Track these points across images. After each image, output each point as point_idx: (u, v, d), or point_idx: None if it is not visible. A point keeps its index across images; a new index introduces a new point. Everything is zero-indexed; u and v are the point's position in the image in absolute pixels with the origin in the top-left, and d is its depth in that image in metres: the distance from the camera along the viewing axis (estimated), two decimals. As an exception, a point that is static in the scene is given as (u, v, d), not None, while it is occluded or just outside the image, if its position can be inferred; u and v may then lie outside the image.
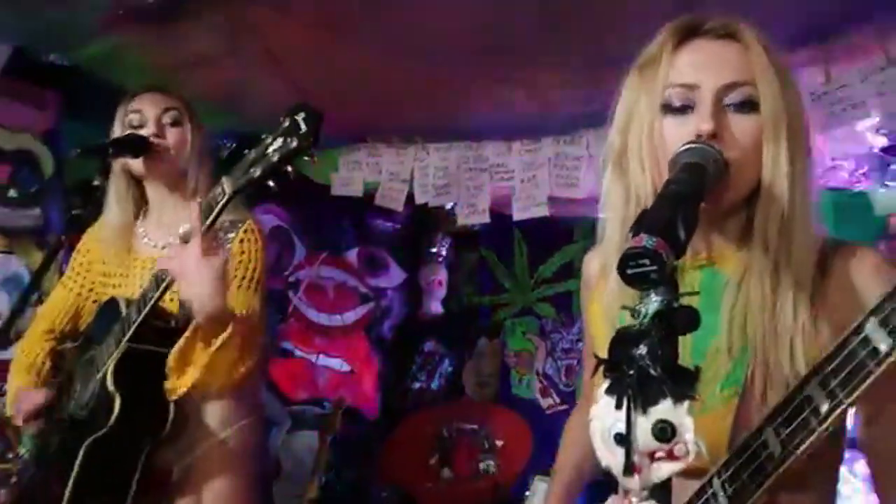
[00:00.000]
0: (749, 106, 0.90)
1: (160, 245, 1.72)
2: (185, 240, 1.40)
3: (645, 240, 0.67)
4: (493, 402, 3.42)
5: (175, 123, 1.69)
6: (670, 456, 0.68)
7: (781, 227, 0.89)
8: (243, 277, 1.63)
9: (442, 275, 4.29)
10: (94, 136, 2.62)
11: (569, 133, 2.38)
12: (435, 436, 2.87)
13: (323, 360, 3.72)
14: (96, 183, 1.55)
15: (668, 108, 0.93)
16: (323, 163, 2.97)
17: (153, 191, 1.74)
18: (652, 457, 0.69)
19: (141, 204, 1.76)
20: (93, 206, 1.60)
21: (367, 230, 4.10)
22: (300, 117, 1.29)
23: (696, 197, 0.79)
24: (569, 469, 1.25)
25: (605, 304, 0.99)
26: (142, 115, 1.67)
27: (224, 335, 1.39)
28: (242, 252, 1.65)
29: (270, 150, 1.31)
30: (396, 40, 2.28)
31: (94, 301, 1.80)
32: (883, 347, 0.67)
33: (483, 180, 2.47)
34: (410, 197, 2.76)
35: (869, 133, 2.15)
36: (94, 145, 1.58)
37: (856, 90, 1.86)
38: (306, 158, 1.32)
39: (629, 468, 0.69)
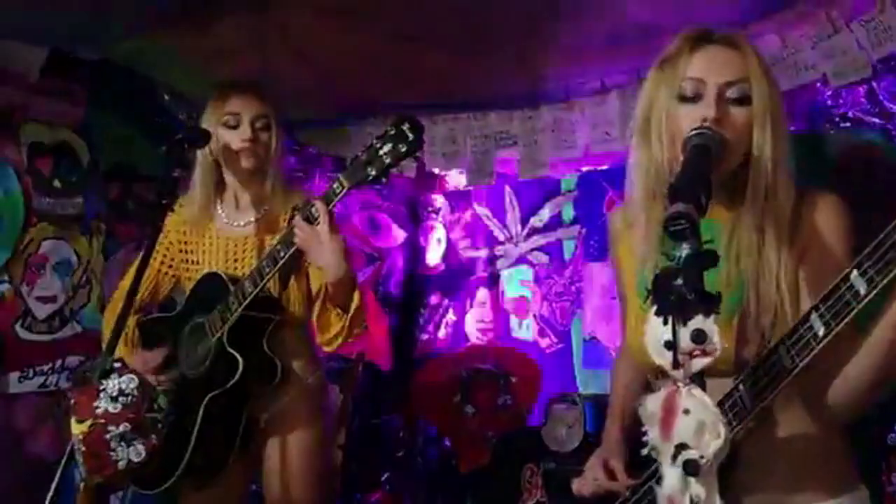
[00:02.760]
0: (744, 100, 1.19)
1: (242, 223, 1.98)
2: (309, 220, 1.69)
3: (681, 206, 0.97)
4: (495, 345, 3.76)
5: (265, 128, 1.93)
6: (703, 353, 0.99)
7: (766, 190, 1.18)
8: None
9: (441, 231, 4.58)
10: (122, 125, 2.83)
11: (563, 101, 2.65)
12: (456, 377, 3.20)
13: (338, 318, 3.98)
14: (176, 174, 1.78)
15: (682, 97, 1.22)
16: (337, 137, 3.20)
17: (234, 180, 1.98)
18: (691, 354, 0.99)
19: (219, 189, 2.00)
20: (174, 194, 1.83)
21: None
22: (405, 127, 1.60)
23: (708, 171, 1.09)
24: (622, 397, 1.49)
25: (634, 249, 1.29)
26: (238, 117, 1.90)
27: (357, 300, 1.71)
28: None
29: (381, 152, 1.61)
30: (405, 22, 2.50)
31: (173, 276, 2.05)
32: (862, 291, 0.96)
33: (489, 146, 2.73)
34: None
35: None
36: (174, 141, 1.80)
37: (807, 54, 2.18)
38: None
39: (676, 363, 1.00)
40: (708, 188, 1.03)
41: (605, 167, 4.07)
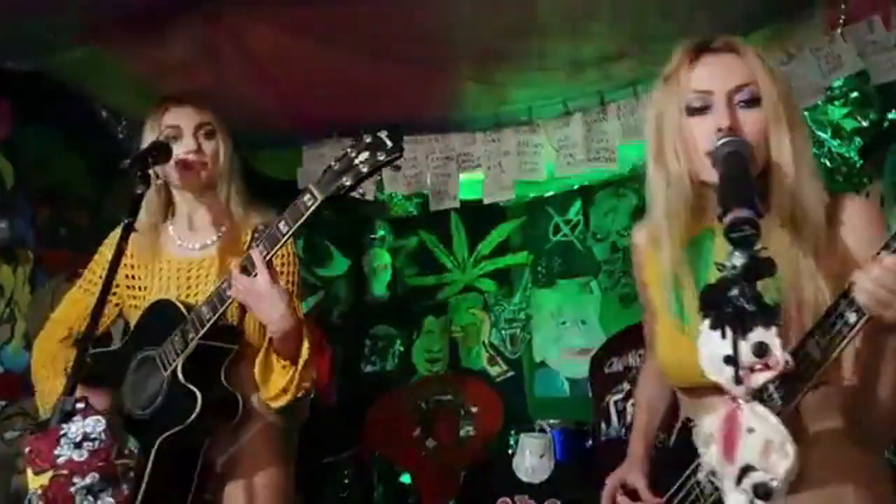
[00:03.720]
0: (754, 102, 1.16)
1: (197, 246, 1.81)
2: (247, 268, 1.54)
3: (742, 212, 0.92)
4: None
5: (209, 136, 1.78)
6: (766, 367, 0.93)
7: (792, 193, 1.16)
8: (291, 283, 1.77)
9: (387, 259, 4.46)
10: (54, 144, 2.60)
11: (526, 124, 2.63)
12: (415, 410, 3.07)
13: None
14: (139, 192, 1.61)
15: (690, 110, 1.19)
16: (287, 160, 3.06)
17: (183, 198, 1.83)
18: (752, 369, 0.94)
19: (167, 209, 1.83)
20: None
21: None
22: (383, 134, 1.49)
23: (750, 175, 1.05)
24: (649, 413, 1.46)
25: (662, 267, 1.24)
26: (179, 129, 1.76)
27: (305, 352, 1.56)
28: (284, 261, 1.78)
29: (357, 161, 1.48)
30: (362, 41, 2.43)
31: (116, 304, 1.85)
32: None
33: (451, 169, 2.67)
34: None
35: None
36: (136, 156, 1.63)
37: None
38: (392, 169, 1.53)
39: (738, 379, 0.93)
40: (758, 191, 0.99)
41: (550, 193, 4.12)
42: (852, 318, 1.01)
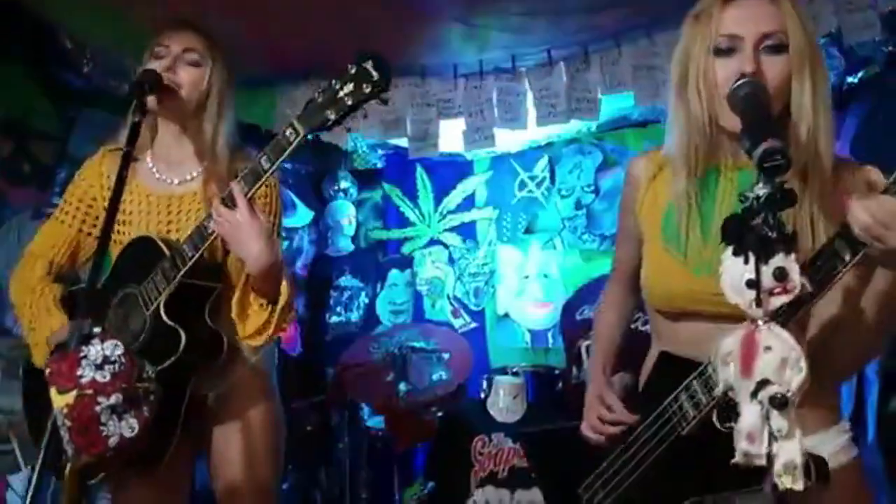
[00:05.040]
0: (780, 48, 1.22)
1: (176, 181, 1.76)
2: (229, 201, 1.51)
3: (774, 142, 0.98)
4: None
5: (193, 64, 1.71)
6: (784, 291, 1.00)
7: (808, 136, 1.22)
8: (273, 224, 1.72)
9: (351, 211, 4.44)
10: (14, 73, 2.46)
11: (508, 72, 2.64)
12: (388, 356, 3.11)
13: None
14: (136, 119, 1.56)
15: (717, 51, 1.24)
16: (261, 103, 2.99)
17: (164, 127, 1.76)
18: (771, 292, 1.01)
19: (150, 138, 1.77)
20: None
21: (273, 171, 4.11)
22: (368, 65, 1.43)
23: (769, 113, 1.12)
24: (611, 332, 1.56)
25: (674, 197, 1.30)
26: (168, 49, 1.69)
27: (285, 291, 1.55)
28: (266, 201, 1.74)
29: (342, 94, 1.44)
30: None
31: (96, 237, 1.78)
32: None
33: (431, 115, 2.66)
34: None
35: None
36: (134, 84, 1.58)
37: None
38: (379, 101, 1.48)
39: (759, 302, 1.00)
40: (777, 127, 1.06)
41: (515, 150, 4.17)
42: (847, 255, 1.09)
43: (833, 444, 1.28)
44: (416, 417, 2.87)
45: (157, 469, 1.59)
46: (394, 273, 4.39)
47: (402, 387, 2.91)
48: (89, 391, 1.11)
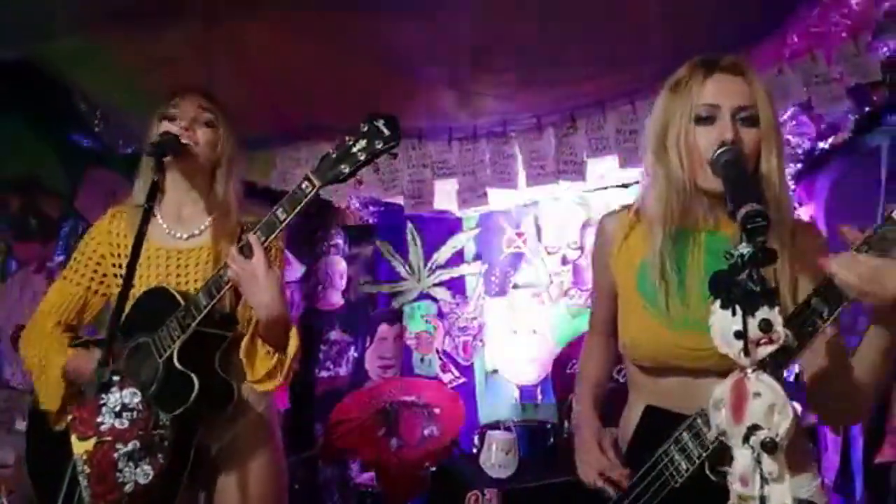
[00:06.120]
0: (752, 121, 1.34)
1: (185, 236, 1.84)
2: (245, 251, 1.59)
3: (755, 206, 1.08)
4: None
5: (208, 124, 1.82)
6: (770, 341, 1.09)
7: (776, 201, 1.33)
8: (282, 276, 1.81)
9: (342, 266, 4.50)
10: (26, 130, 2.54)
11: (500, 136, 2.78)
12: (380, 411, 3.14)
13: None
14: (155, 178, 1.64)
15: (698, 119, 1.35)
16: (258, 161, 3.08)
17: (174, 184, 1.84)
18: (758, 343, 1.09)
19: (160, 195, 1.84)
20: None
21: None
22: (380, 123, 1.56)
23: (748, 178, 1.22)
24: (594, 385, 1.63)
25: (650, 255, 1.39)
26: (178, 110, 1.79)
27: (293, 339, 1.62)
28: (276, 254, 1.83)
29: (355, 149, 1.55)
30: (348, 45, 2.52)
31: (103, 294, 1.86)
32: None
33: (426, 175, 2.78)
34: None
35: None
36: (153, 145, 1.67)
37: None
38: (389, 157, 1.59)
39: (747, 351, 1.08)
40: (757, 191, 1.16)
41: (504, 209, 4.29)
42: (825, 311, 1.19)
43: (807, 489, 1.36)
44: (408, 472, 2.87)
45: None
46: (383, 327, 4.43)
47: (394, 442, 2.92)
48: (108, 438, 1.15)
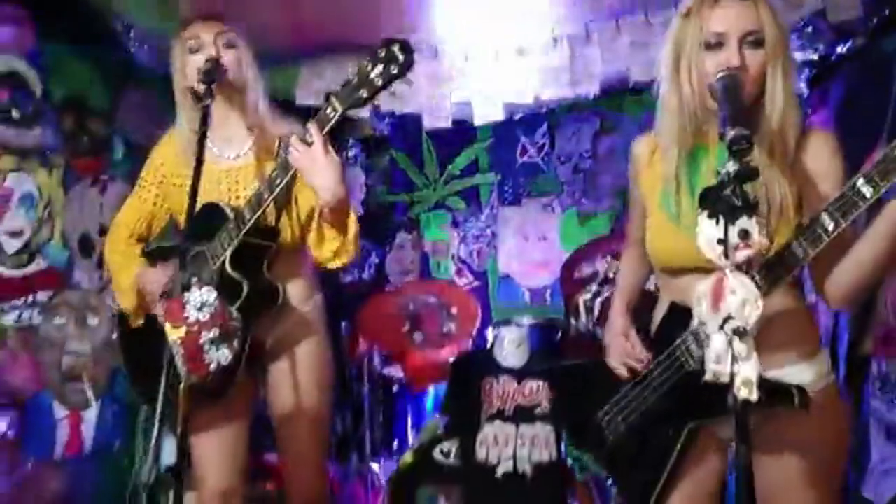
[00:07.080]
0: (759, 44, 1.46)
1: (232, 155, 2.02)
2: (305, 141, 1.73)
3: (740, 130, 1.25)
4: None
5: (230, 46, 1.93)
6: (747, 247, 1.29)
7: (779, 119, 1.46)
8: None
9: (361, 177, 4.69)
10: (72, 54, 2.68)
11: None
12: (404, 310, 3.43)
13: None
14: (208, 103, 1.80)
15: (707, 45, 1.47)
16: (285, 77, 3.20)
17: (215, 108, 1.97)
18: (736, 248, 1.29)
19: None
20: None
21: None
22: (395, 48, 1.65)
23: (742, 104, 1.38)
24: (629, 288, 1.81)
25: (664, 171, 1.57)
26: (200, 40, 1.91)
27: (352, 223, 1.81)
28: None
29: (373, 75, 1.66)
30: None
31: (168, 209, 2.08)
32: (868, 194, 1.28)
33: (444, 90, 2.90)
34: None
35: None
36: (204, 76, 1.82)
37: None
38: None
39: (726, 255, 1.29)
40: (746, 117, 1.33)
41: (519, 115, 4.40)
42: (830, 226, 1.31)
43: (812, 372, 1.51)
44: (430, 363, 3.19)
45: (223, 398, 1.88)
46: (401, 235, 4.66)
47: (417, 336, 3.22)
48: (195, 328, 1.39)
